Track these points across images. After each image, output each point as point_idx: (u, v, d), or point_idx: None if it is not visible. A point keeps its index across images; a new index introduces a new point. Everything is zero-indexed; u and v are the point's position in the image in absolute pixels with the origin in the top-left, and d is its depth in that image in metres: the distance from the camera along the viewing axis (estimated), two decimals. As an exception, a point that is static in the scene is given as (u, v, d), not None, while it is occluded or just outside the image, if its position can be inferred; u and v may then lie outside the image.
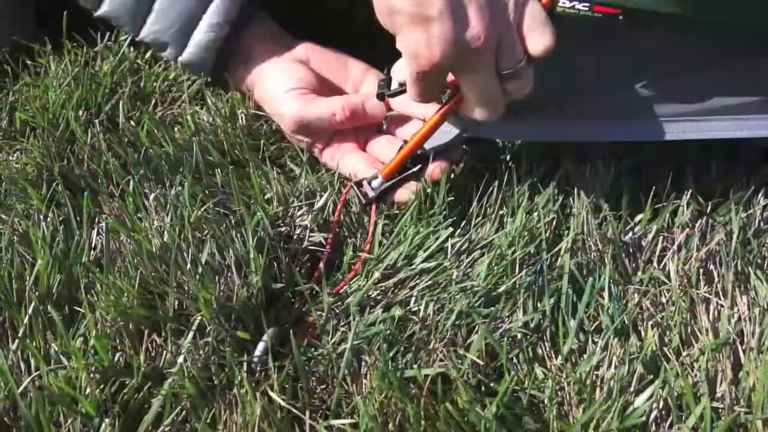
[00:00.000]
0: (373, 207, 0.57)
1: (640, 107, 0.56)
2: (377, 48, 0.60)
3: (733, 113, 0.55)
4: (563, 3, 0.49)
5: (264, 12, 0.66)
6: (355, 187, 0.58)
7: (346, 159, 0.60)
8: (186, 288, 0.52)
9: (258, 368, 0.49)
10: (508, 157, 0.62)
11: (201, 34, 0.62)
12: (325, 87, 0.63)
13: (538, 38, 0.48)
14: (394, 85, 0.56)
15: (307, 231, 0.57)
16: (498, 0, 0.45)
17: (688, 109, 0.56)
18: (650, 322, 0.51)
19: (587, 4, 0.49)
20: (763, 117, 0.55)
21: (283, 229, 0.57)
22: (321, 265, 0.54)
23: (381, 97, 0.57)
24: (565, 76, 0.51)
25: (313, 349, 0.50)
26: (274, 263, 0.55)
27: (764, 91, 0.55)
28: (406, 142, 0.58)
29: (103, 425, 0.47)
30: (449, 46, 0.45)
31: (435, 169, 0.57)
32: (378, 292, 0.53)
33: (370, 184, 0.58)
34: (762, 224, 0.58)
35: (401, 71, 0.54)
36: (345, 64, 0.65)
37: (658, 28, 0.53)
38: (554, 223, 0.57)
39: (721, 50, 0.55)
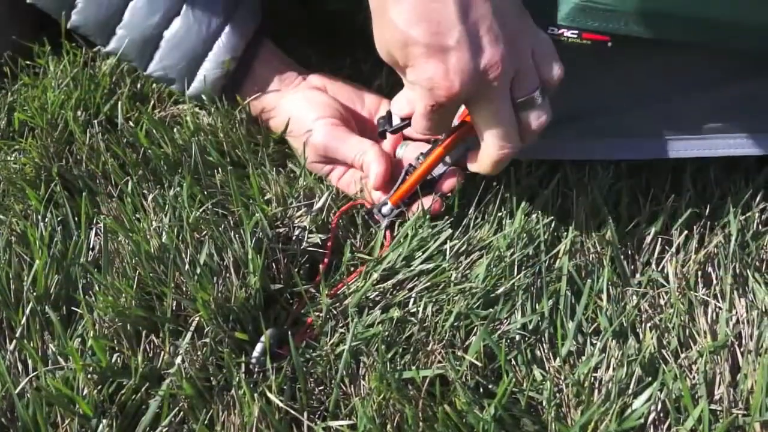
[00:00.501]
0: (387, 234, 0.57)
1: (633, 127, 0.57)
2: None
3: (729, 132, 0.56)
4: (551, 30, 0.50)
5: (269, 40, 0.67)
6: (366, 215, 0.59)
7: (362, 185, 0.60)
8: (184, 289, 0.52)
9: (256, 369, 0.49)
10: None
11: (207, 71, 0.64)
12: (349, 115, 0.63)
13: (551, 66, 0.47)
14: (396, 120, 0.55)
15: (306, 232, 0.57)
16: (512, 29, 0.45)
17: (684, 128, 0.56)
18: (648, 324, 0.51)
19: (576, 32, 0.50)
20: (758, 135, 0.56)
21: (281, 230, 0.57)
22: (321, 267, 0.54)
23: (383, 134, 0.57)
24: (561, 97, 0.51)
25: (311, 351, 0.50)
26: (273, 264, 0.55)
27: (760, 110, 0.56)
28: (412, 165, 0.58)
29: (101, 426, 0.46)
30: (468, 76, 0.44)
31: (449, 184, 0.57)
32: (376, 293, 0.53)
33: (380, 210, 0.58)
34: (760, 227, 0.58)
35: (402, 106, 0.54)
36: (360, 95, 0.66)
37: (650, 52, 0.54)
38: (553, 225, 0.57)
39: (715, 72, 0.56)
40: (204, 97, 0.65)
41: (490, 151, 0.49)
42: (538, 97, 0.48)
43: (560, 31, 0.50)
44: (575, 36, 0.49)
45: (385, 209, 0.58)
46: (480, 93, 0.46)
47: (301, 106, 0.62)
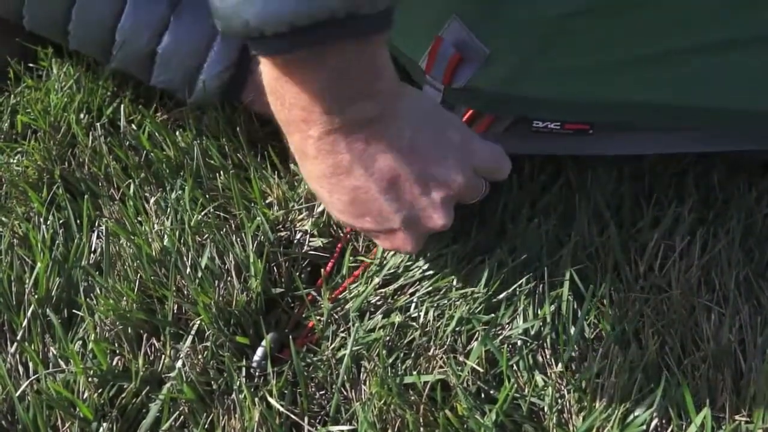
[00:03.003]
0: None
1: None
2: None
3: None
4: (536, 124, 0.53)
5: None
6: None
7: None
8: (185, 292, 0.52)
9: (257, 373, 0.49)
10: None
11: (204, 81, 0.64)
12: None
13: (501, 171, 0.49)
14: None
15: (308, 236, 0.57)
16: (441, 188, 0.45)
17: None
18: (651, 330, 0.50)
19: (558, 123, 0.52)
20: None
21: (283, 233, 0.57)
22: (323, 271, 0.54)
23: None
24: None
25: (312, 355, 0.50)
26: (274, 268, 0.55)
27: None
28: None
29: (101, 429, 0.46)
30: (421, 240, 0.47)
31: None
32: (378, 297, 0.53)
33: None
34: (764, 232, 0.57)
35: None
36: None
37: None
38: (555, 230, 0.57)
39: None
40: (204, 103, 0.65)
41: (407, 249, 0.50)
42: (484, 195, 0.49)
43: (545, 124, 0.52)
44: (558, 127, 0.52)
45: None
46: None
47: None
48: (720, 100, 0.50)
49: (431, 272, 0.54)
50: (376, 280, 0.53)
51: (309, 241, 0.56)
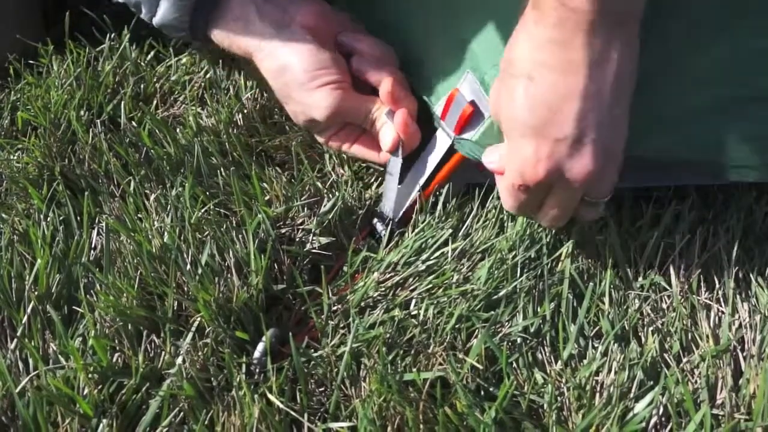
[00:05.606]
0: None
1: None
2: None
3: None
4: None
5: None
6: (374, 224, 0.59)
7: (355, 147, 0.60)
8: (185, 289, 0.52)
9: (257, 370, 0.49)
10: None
11: None
12: (344, 61, 0.59)
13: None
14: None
15: (311, 235, 0.57)
16: (613, 140, 0.45)
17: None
18: (651, 328, 0.50)
19: None
20: None
21: (284, 230, 0.57)
22: (323, 268, 0.54)
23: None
24: None
25: (312, 351, 0.50)
26: (275, 265, 0.55)
27: None
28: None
29: (101, 426, 0.46)
30: (555, 170, 0.45)
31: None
32: (378, 293, 0.53)
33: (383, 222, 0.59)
34: (763, 231, 0.57)
35: (493, 158, 0.51)
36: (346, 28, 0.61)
37: None
38: (555, 228, 0.57)
39: None
40: (171, 23, 0.59)
41: (542, 220, 0.51)
42: (602, 203, 0.49)
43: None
44: None
45: (380, 225, 0.58)
46: (564, 188, 0.47)
47: (294, 64, 0.57)
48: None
49: (431, 269, 0.54)
50: (376, 275, 0.53)
51: (312, 240, 0.56)
